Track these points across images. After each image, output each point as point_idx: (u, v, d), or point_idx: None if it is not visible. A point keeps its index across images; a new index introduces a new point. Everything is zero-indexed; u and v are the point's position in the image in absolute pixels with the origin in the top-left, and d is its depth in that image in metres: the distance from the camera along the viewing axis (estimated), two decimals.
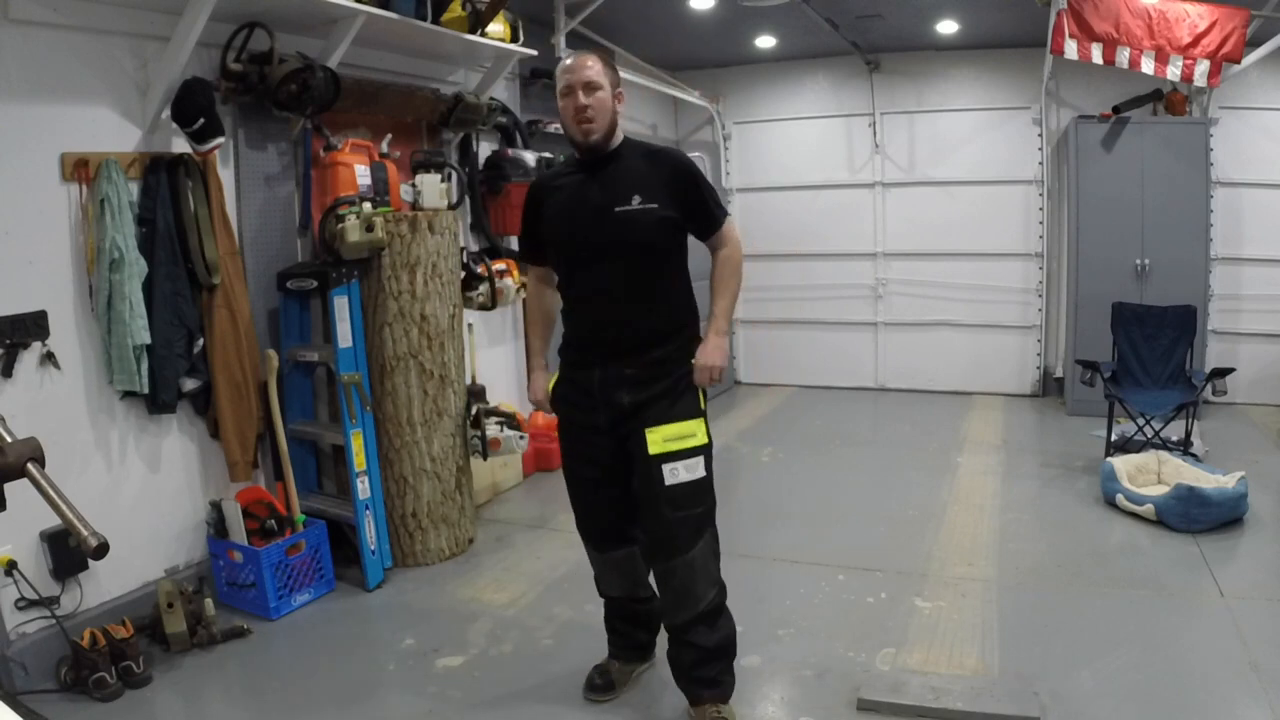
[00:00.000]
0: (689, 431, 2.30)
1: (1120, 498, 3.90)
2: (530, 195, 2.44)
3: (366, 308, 3.47)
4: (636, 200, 2.25)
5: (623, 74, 5.56)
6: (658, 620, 2.62)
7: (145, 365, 2.89)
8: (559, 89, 2.27)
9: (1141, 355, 5.04)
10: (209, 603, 2.99)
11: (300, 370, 3.56)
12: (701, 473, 2.31)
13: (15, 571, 2.62)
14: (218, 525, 3.21)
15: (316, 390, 3.63)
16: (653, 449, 2.27)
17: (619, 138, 2.33)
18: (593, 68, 2.24)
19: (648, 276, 2.30)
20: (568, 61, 2.28)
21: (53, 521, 2.26)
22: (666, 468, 2.28)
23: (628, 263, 2.28)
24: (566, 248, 2.35)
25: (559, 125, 5.45)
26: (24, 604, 2.65)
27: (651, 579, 2.48)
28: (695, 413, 2.33)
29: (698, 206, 2.33)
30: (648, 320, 2.31)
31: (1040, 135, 6.14)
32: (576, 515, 2.55)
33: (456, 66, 4.48)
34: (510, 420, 4.00)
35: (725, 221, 2.38)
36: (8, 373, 2.62)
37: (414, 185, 3.79)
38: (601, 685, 2.57)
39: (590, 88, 2.22)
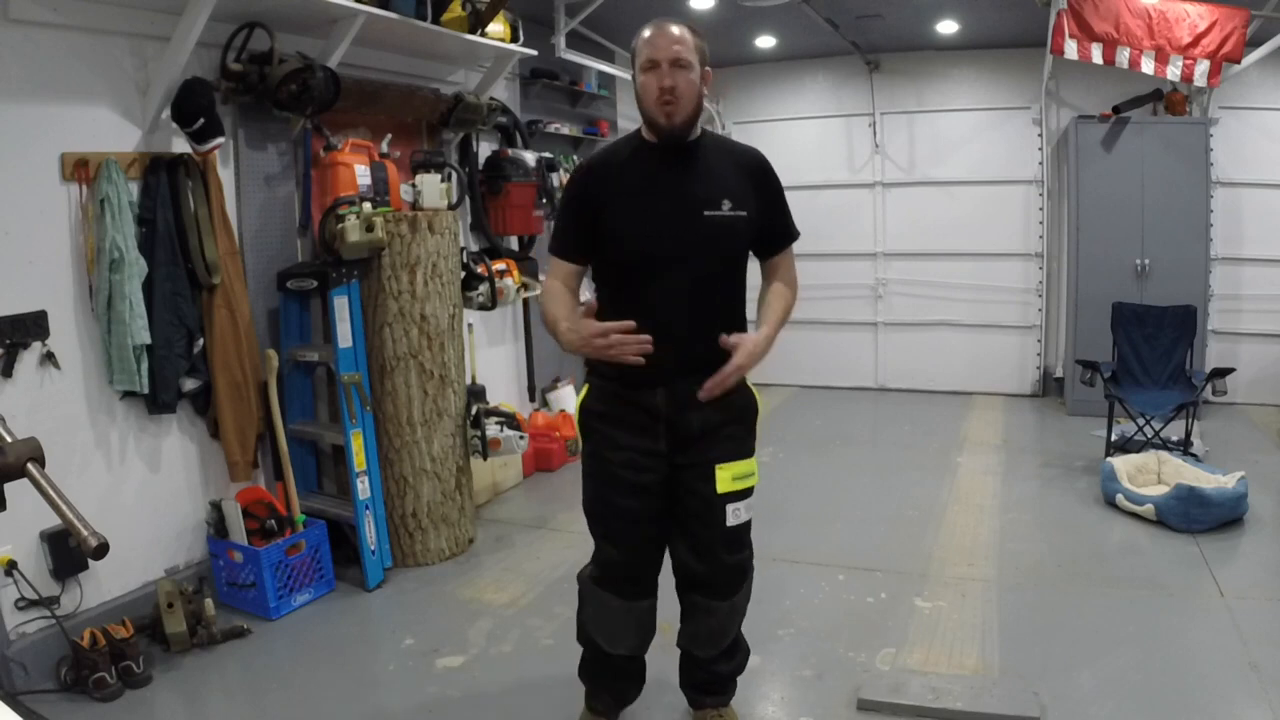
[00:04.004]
0: (751, 470, 2.13)
1: (1120, 498, 3.90)
2: (583, 179, 2.10)
3: (366, 308, 3.47)
4: (727, 205, 2.01)
5: (622, 74, 5.61)
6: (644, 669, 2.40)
7: (145, 365, 2.89)
8: (640, 62, 1.96)
9: (1141, 355, 5.04)
10: (209, 603, 2.98)
11: (300, 370, 3.56)
12: (752, 513, 2.16)
13: (15, 571, 2.62)
14: (218, 525, 3.21)
15: (316, 390, 3.63)
16: (721, 487, 2.07)
17: (698, 129, 2.05)
18: (683, 42, 1.94)
19: (723, 286, 2.07)
20: (649, 33, 1.96)
21: (53, 521, 2.26)
22: (730, 508, 2.09)
23: (708, 272, 2.03)
24: (639, 250, 2.02)
25: (559, 125, 5.35)
26: (24, 604, 2.65)
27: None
28: (753, 448, 2.16)
29: (778, 218, 2.14)
30: (715, 329, 2.01)
31: (1040, 135, 6.14)
32: (604, 557, 2.17)
33: (456, 66, 4.48)
34: (510, 420, 4.00)
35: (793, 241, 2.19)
36: (8, 373, 2.62)
37: (414, 185, 3.79)
38: None
39: (678, 65, 1.93)
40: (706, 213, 2.00)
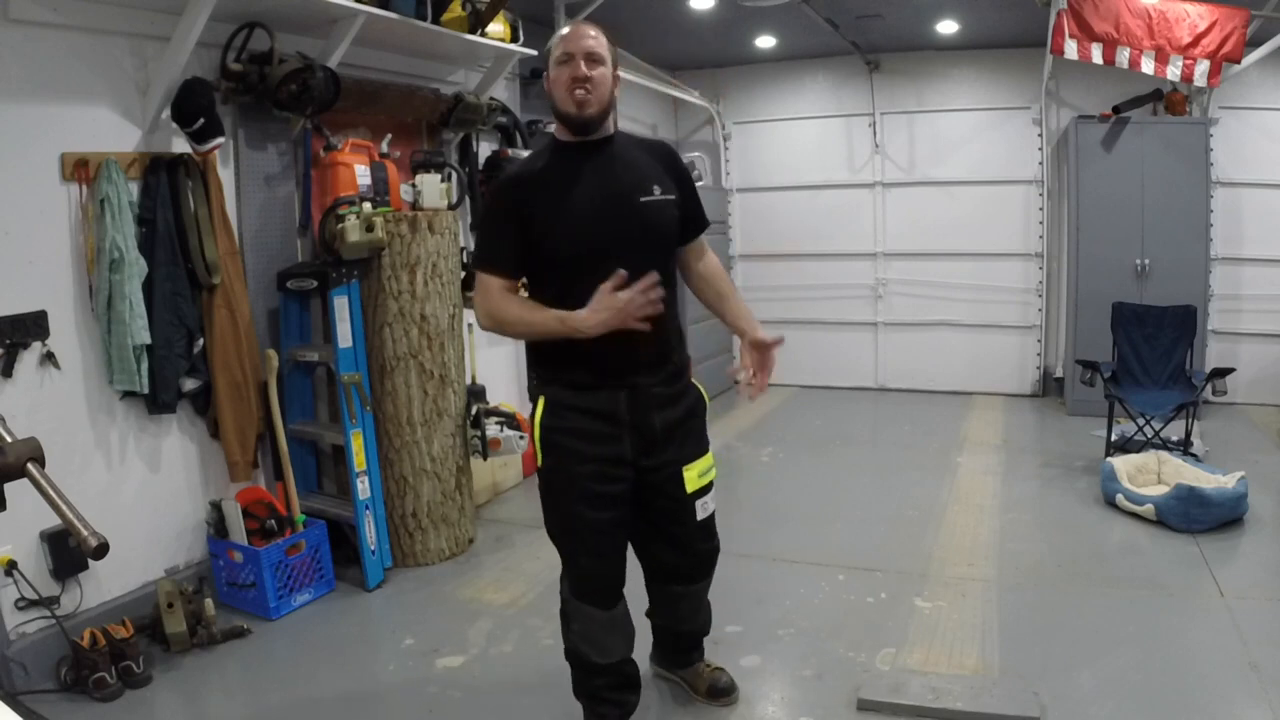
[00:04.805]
0: (711, 464, 2.22)
1: (1120, 498, 3.90)
2: (506, 190, 2.10)
3: (366, 308, 3.47)
4: (657, 190, 2.06)
5: (623, 74, 5.61)
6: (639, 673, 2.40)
7: (145, 365, 2.89)
8: (555, 57, 2.02)
9: (1141, 355, 5.04)
10: (209, 603, 2.98)
11: (300, 370, 3.56)
12: (715, 503, 2.27)
13: (15, 571, 2.62)
14: (218, 525, 3.21)
15: (316, 390, 3.63)
16: (690, 486, 2.15)
17: (611, 126, 2.10)
18: (596, 38, 2.02)
19: (665, 275, 2.06)
20: (565, 31, 2.04)
21: (53, 521, 2.26)
22: (699, 503, 2.19)
23: (651, 258, 2.01)
24: (580, 244, 2.00)
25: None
26: (24, 604, 2.65)
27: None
28: (709, 442, 2.24)
29: (694, 204, 2.19)
30: (665, 326, 2.06)
31: (1040, 135, 6.14)
32: (581, 572, 2.16)
33: (456, 66, 4.48)
34: (510, 420, 4.00)
35: None
36: (8, 373, 2.62)
37: (414, 185, 3.79)
38: None
39: (592, 59, 1.99)
40: (641, 199, 2.04)
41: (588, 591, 2.16)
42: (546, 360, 2.10)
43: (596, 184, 2.03)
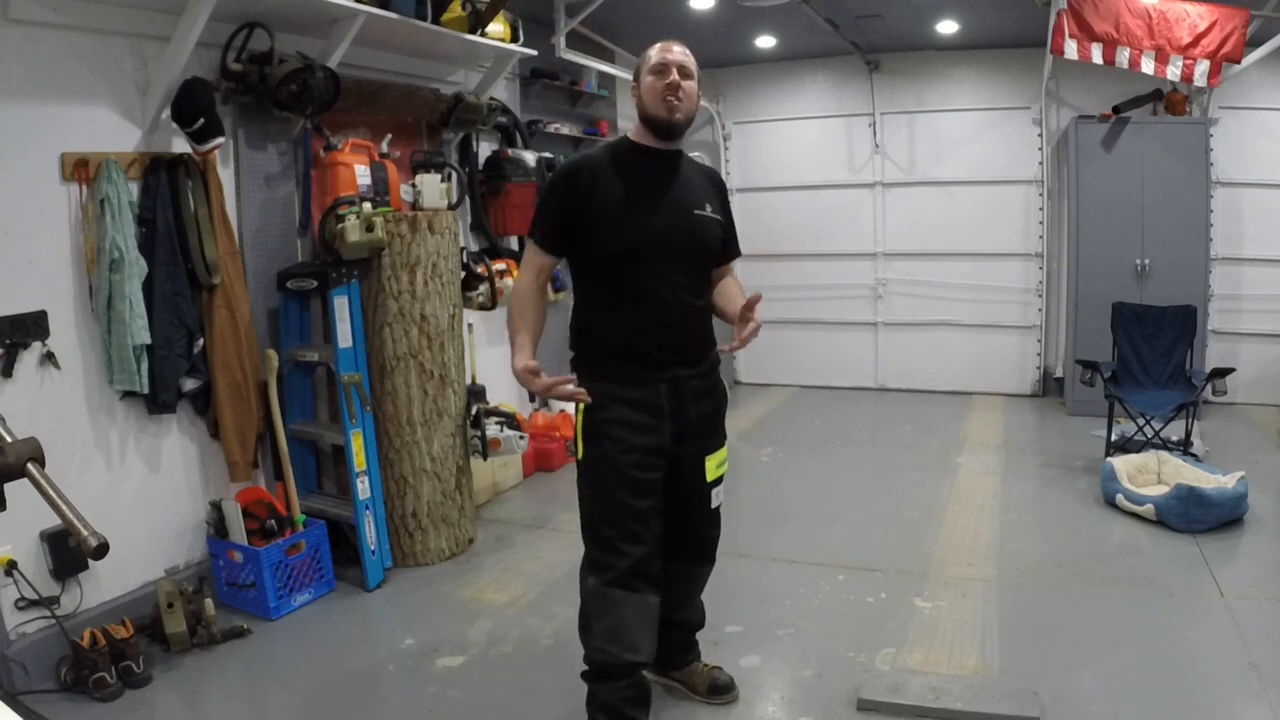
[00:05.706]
0: (726, 456, 2.36)
1: (1120, 498, 3.90)
2: (573, 176, 2.17)
3: (366, 308, 3.47)
4: (709, 208, 2.25)
5: (622, 74, 5.63)
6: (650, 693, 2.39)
7: (145, 365, 2.89)
8: (650, 65, 2.17)
9: (1141, 355, 5.04)
10: (209, 603, 2.99)
11: (300, 370, 3.56)
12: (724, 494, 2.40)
13: (15, 571, 2.62)
14: (218, 525, 3.21)
15: (316, 390, 3.63)
16: (710, 475, 2.31)
17: (679, 143, 2.27)
18: (687, 55, 2.19)
19: (703, 283, 2.28)
20: (659, 46, 2.20)
21: (53, 521, 2.26)
22: (714, 492, 2.34)
23: (695, 266, 2.23)
24: (632, 241, 2.13)
25: (559, 125, 5.37)
26: (24, 604, 2.65)
27: None
28: (726, 435, 2.38)
29: (732, 231, 2.39)
30: (701, 323, 2.26)
31: (1040, 135, 6.14)
32: (627, 558, 2.14)
33: (456, 66, 4.48)
34: (510, 420, 4.00)
35: None
36: (8, 373, 2.62)
37: (414, 185, 3.79)
38: None
39: (685, 72, 2.15)
40: (696, 212, 2.22)
41: (624, 578, 2.14)
42: (593, 353, 2.23)
43: (662, 189, 2.19)
